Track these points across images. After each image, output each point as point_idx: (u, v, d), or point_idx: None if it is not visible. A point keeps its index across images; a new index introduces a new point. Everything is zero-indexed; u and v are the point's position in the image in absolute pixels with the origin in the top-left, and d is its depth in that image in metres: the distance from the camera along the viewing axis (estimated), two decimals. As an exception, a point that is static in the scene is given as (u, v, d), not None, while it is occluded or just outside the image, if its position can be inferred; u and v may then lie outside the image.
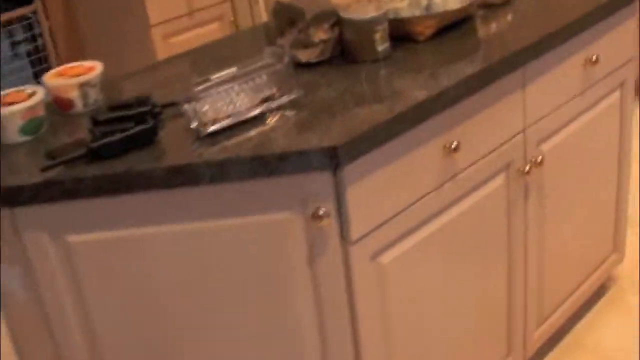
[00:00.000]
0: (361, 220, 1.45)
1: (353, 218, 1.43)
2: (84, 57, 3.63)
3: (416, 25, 1.78)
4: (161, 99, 1.65)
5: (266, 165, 1.35)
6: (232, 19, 3.48)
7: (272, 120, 1.48)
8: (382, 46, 1.71)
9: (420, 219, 1.59)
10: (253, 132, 1.44)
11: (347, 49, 1.74)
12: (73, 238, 1.45)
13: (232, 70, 1.53)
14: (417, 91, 1.52)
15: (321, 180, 1.39)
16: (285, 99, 1.53)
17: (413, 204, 1.55)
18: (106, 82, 1.77)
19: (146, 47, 3.28)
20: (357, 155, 1.38)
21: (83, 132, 1.55)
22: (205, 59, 1.91)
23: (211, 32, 3.40)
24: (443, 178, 1.60)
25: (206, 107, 1.47)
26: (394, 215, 1.52)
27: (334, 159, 1.35)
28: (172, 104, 1.59)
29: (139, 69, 1.93)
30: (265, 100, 1.52)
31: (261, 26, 2.13)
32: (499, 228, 1.80)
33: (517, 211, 1.82)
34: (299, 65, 1.73)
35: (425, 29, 1.79)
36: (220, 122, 1.46)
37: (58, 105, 1.67)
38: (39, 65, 3.76)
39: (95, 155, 1.41)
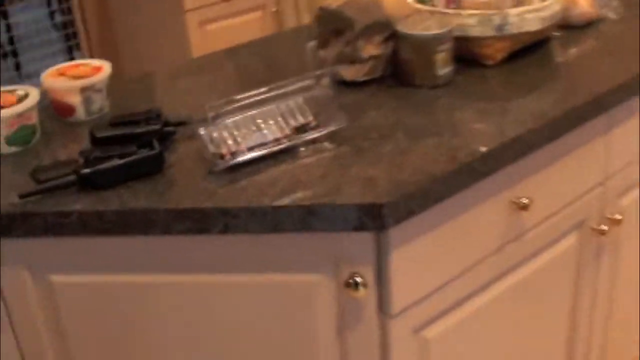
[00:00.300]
0: (405, 290, 1.18)
1: (395, 288, 1.16)
2: (112, 35, 3.38)
3: (486, 47, 1.49)
4: (177, 111, 1.38)
5: (293, 218, 1.08)
6: (274, 9, 3.20)
7: (305, 156, 1.21)
8: (443, 70, 1.43)
9: (474, 287, 1.31)
10: (281, 171, 1.17)
11: (401, 69, 1.47)
12: (57, 278, 1.20)
13: (261, 90, 1.25)
14: (484, 132, 1.24)
15: (359, 242, 1.12)
16: (322, 131, 1.25)
17: (467, 269, 1.28)
18: (116, 85, 1.51)
19: (179, 33, 3.02)
20: (406, 216, 1.11)
21: (81, 144, 1.29)
22: (236, 64, 1.64)
23: (251, 22, 3.13)
24: (505, 239, 1.32)
25: (226, 134, 1.21)
26: (444, 283, 1.25)
27: (378, 220, 1.08)
28: (188, 122, 1.33)
29: (159, 68, 1.67)
30: (299, 129, 1.25)
31: (305, 29, 1.86)
32: (564, 295, 1.51)
33: (586, 276, 1.54)
34: (342, 83, 1.46)
35: (496, 52, 1.50)
36: (241, 154, 1.19)
37: (56, 110, 1.41)
38: (73, 40, 3.52)
39: (86, 183, 1.16)
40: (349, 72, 1.46)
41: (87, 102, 1.39)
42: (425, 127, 1.27)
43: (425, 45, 1.41)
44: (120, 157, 1.17)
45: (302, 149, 1.24)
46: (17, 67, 3.54)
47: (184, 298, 1.19)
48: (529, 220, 1.36)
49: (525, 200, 1.30)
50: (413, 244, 1.16)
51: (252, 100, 1.24)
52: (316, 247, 1.13)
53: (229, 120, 1.22)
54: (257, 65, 1.61)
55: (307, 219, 1.09)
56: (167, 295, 1.19)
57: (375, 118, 1.33)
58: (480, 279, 1.32)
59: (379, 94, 1.42)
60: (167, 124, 1.30)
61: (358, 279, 1.13)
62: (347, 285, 1.14)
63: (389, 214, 1.08)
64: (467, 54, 1.51)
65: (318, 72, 1.26)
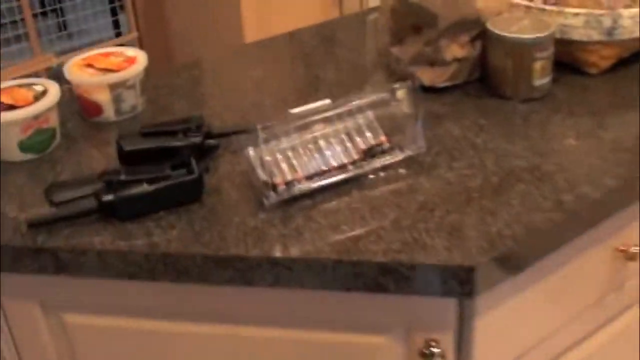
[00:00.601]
0: (490, 358, 0.96)
1: (479, 357, 0.94)
2: (159, 9, 3.14)
3: (591, 53, 1.25)
4: (222, 115, 1.17)
5: (361, 277, 0.87)
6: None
7: (375, 187, 0.99)
8: (541, 80, 1.19)
9: (567, 344, 1.09)
10: (345, 206, 0.96)
11: (489, 76, 1.23)
12: (72, 318, 1.01)
13: (324, 103, 1.03)
14: (592, 166, 1.01)
15: (439, 306, 0.90)
16: (397, 156, 1.03)
17: (561, 327, 1.06)
18: (154, 72, 1.30)
19: (232, 15, 2.73)
20: (501, 278, 0.89)
21: (108, 153, 1.09)
22: (292, 54, 1.41)
23: (309, 5, 2.82)
24: (604, 291, 1.10)
25: (280, 157, 0.99)
26: (536, 344, 1.03)
27: (467, 285, 0.85)
28: (234, 133, 1.11)
29: (206, 51, 1.45)
30: (368, 152, 1.02)
31: (371, 15, 1.62)
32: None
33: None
34: (418, 89, 1.23)
35: (602, 60, 1.26)
36: (298, 184, 0.97)
37: (82, 108, 1.21)
38: (121, 12, 3.28)
39: (108, 211, 0.95)
40: (428, 76, 1.23)
41: (117, 100, 1.18)
42: (520, 155, 1.04)
43: (522, 51, 1.17)
44: (151, 182, 0.95)
45: (372, 176, 1.01)
46: (64, 26, 3.33)
47: (218, 351, 0.99)
48: (633, 267, 1.12)
49: (635, 249, 1.07)
50: (502, 306, 0.94)
51: (313, 113, 1.01)
52: (385, 307, 0.91)
53: (284, 139, 1.00)
54: (316, 57, 1.38)
55: (377, 278, 0.87)
56: (199, 346, 0.99)
57: (459, 137, 1.10)
58: (574, 335, 1.10)
59: (462, 105, 1.19)
60: (208, 135, 1.08)
61: (435, 349, 0.91)
62: (422, 355, 0.92)
63: (482, 279, 0.86)
64: (566, 58, 1.27)
65: (395, 85, 1.03)
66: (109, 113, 1.19)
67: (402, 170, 1.03)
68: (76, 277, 0.94)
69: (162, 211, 0.96)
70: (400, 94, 1.04)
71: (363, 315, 0.92)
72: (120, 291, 0.96)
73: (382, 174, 1.02)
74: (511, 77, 1.19)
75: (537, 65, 1.18)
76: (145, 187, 0.95)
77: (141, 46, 3.12)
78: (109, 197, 0.94)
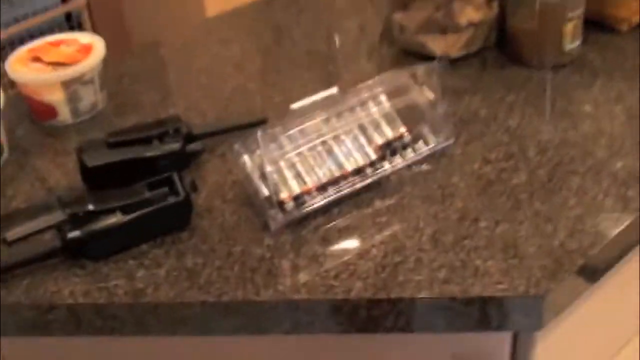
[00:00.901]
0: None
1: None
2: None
3: (621, 6, 1.07)
4: (201, 107, 0.98)
5: (401, 315, 0.70)
6: None
7: (399, 190, 0.81)
8: (572, 44, 1.02)
9: None
10: (367, 218, 0.78)
11: (510, 42, 1.05)
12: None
13: (331, 93, 0.84)
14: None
15: (493, 340, 0.74)
16: (422, 149, 0.85)
17: (624, 346, 0.90)
18: (113, 60, 1.10)
19: None
20: (567, 303, 0.72)
21: (68, 164, 0.90)
22: (265, 24, 1.22)
23: None
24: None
25: (283, 165, 0.81)
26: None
27: (532, 317, 0.69)
28: (221, 132, 0.93)
29: (165, 36, 1.25)
30: (387, 147, 0.84)
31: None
32: None
33: None
34: (429, 60, 1.05)
35: (633, 15, 1.09)
36: (309, 199, 0.79)
37: (31, 110, 1.00)
38: None
39: (77, 251, 0.76)
40: (439, 45, 1.04)
41: (73, 99, 0.98)
42: (565, 140, 0.87)
43: (552, 10, 0.99)
44: (126, 209, 0.77)
45: (394, 177, 0.84)
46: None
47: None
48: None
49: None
50: (562, 333, 0.78)
51: (316, 110, 0.83)
52: (430, 344, 0.75)
53: (286, 142, 0.82)
54: (300, 29, 1.19)
55: (424, 316, 0.70)
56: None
57: (487, 119, 0.92)
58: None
59: (483, 78, 1.02)
60: (189, 137, 0.89)
61: (490, 391, 0.75)
62: (475, 399, 0.76)
63: (549, 306, 0.69)
64: (591, 15, 1.09)
65: (423, 65, 0.85)
66: (65, 115, 0.99)
67: (429, 167, 0.85)
68: (44, 337, 0.76)
69: (144, 244, 0.78)
70: (421, 73, 0.86)
71: (403, 353, 0.75)
72: (101, 351, 0.77)
73: (406, 173, 0.84)
74: (538, 41, 1.02)
75: (569, 26, 1.00)
76: (119, 217, 0.77)
77: (90, 12, 2.85)
78: (75, 234, 0.76)
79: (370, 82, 0.86)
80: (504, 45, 1.06)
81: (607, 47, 1.06)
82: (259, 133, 0.78)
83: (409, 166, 0.85)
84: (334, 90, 0.85)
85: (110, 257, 0.76)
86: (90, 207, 0.77)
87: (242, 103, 1.01)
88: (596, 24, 1.09)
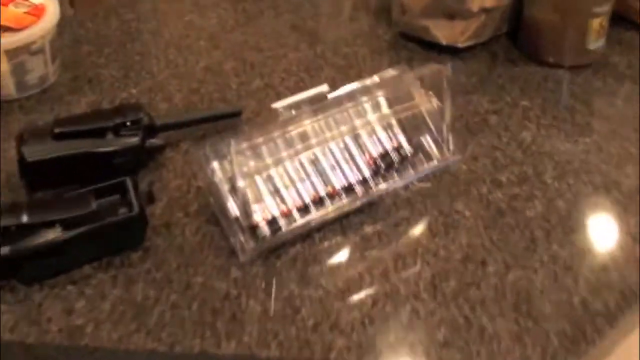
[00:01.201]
0: None
1: None
2: None
3: (653, -2, 0.95)
4: (167, 90, 0.84)
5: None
6: None
7: (396, 218, 0.69)
8: (597, 43, 0.89)
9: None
10: (355, 251, 0.66)
11: (526, 34, 0.92)
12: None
13: (320, 90, 0.71)
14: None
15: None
16: (423, 165, 0.73)
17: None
18: (70, 26, 0.95)
19: None
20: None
21: (9, 153, 0.76)
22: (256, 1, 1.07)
23: None
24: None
25: (259, 180, 0.68)
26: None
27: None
28: (187, 125, 0.80)
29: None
30: (383, 160, 0.72)
31: None
32: None
33: None
34: (432, 48, 0.92)
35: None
36: (288, 222, 0.67)
37: (-31, 81, 0.86)
38: None
39: (7, 270, 0.64)
40: (445, 32, 0.91)
41: (19, 71, 0.84)
42: (588, 162, 0.75)
43: (578, 4, 0.86)
44: (67, 224, 0.64)
45: (389, 199, 0.72)
46: None
47: None
48: None
49: None
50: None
51: (302, 110, 0.70)
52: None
53: (263, 149, 0.69)
54: (287, 2, 1.05)
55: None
56: None
57: (498, 129, 0.80)
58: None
59: (493, 75, 0.89)
60: (150, 129, 0.76)
61: None
62: None
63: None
64: (615, 8, 0.96)
65: (431, 66, 0.72)
66: (9, 89, 0.85)
67: (429, 186, 0.73)
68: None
69: (88, 265, 0.65)
70: (428, 78, 0.73)
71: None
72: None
73: (403, 193, 0.72)
74: (558, 36, 0.89)
75: (596, 22, 0.87)
76: (59, 234, 0.64)
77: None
78: (5, 251, 0.63)
79: (368, 81, 0.73)
80: (518, 37, 0.93)
81: (632, 47, 0.94)
82: (232, 141, 0.65)
83: (406, 185, 0.73)
84: (324, 87, 0.71)
85: (45, 282, 0.64)
86: (25, 219, 0.63)
87: (216, 87, 0.87)
88: (620, 19, 0.96)
